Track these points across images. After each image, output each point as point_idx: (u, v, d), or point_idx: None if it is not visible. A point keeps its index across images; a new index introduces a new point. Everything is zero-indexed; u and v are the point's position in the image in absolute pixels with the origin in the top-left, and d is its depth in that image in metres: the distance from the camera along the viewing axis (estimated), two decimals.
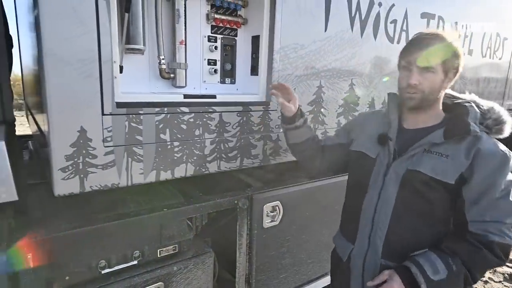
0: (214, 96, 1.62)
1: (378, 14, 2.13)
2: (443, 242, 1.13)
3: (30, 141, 2.50)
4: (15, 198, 1.13)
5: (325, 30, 1.91)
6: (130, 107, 1.33)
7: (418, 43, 1.16)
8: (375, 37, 2.16)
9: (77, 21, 1.15)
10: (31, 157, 2.23)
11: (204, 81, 1.81)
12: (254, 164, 1.80)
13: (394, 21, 2.24)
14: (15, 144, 1.28)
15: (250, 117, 1.73)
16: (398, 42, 2.29)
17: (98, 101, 1.24)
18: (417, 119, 1.24)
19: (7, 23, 1.34)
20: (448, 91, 1.27)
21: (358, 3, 2.00)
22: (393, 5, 2.19)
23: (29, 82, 2.03)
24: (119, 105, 1.30)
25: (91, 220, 1.36)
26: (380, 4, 2.12)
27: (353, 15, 2.01)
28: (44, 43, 1.10)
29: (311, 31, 1.87)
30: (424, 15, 2.42)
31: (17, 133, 1.78)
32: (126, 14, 1.37)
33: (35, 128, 2.02)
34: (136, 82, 1.58)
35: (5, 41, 1.27)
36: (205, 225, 1.95)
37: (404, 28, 2.31)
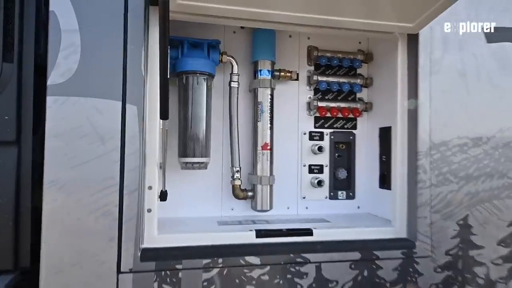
0: (309, 232, 0.97)
1: None
2: None
3: None
4: None
5: None
6: (163, 259, 0.84)
7: None
8: None
9: (94, 138, 0.80)
10: None
11: (304, 197, 1.21)
12: None
13: None
14: None
15: (377, 269, 0.97)
16: None
17: (113, 251, 0.81)
18: None
19: None
20: None
21: None
22: None
23: None
24: (146, 255, 0.83)
25: None
26: None
27: None
28: (45, 173, 0.78)
29: (495, 112, 1.05)
30: None
31: None
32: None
33: None
34: (201, 204, 1.13)
35: None
36: None
37: None
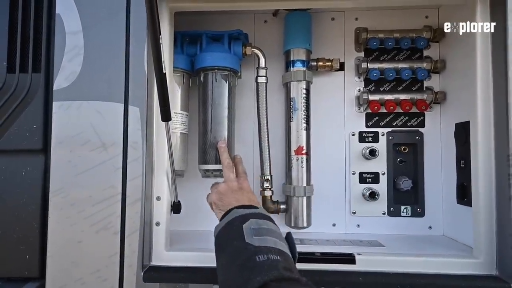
0: (350, 259, 0.76)
1: None
2: None
3: None
4: None
5: None
6: (168, 280, 0.74)
7: None
8: None
9: (96, 144, 0.75)
10: None
11: (354, 213, 0.99)
12: None
13: None
14: None
15: None
16: None
17: (115, 268, 0.73)
18: None
19: None
20: None
21: None
22: None
23: None
24: (150, 276, 0.73)
25: None
26: None
27: None
28: (51, 182, 0.76)
29: None
30: None
31: None
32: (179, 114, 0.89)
33: None
34: None
35: None
36: None
37: None
